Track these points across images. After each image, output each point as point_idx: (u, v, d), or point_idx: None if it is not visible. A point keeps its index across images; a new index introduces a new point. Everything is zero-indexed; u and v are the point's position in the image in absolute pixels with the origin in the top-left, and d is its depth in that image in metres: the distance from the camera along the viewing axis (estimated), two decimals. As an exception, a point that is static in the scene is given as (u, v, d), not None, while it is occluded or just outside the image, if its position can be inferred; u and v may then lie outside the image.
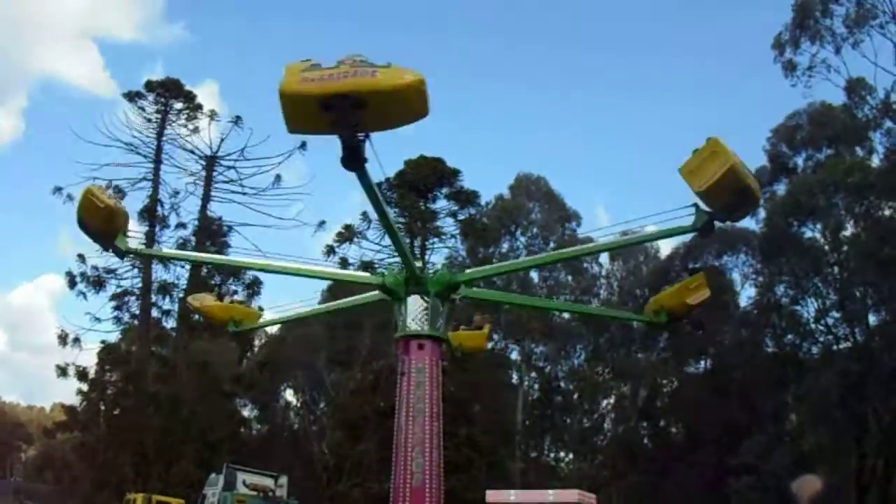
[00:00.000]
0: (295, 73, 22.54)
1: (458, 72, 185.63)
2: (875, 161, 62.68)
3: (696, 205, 29.02)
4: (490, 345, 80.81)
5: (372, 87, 22.35)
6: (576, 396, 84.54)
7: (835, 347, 64.11)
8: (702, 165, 26.38)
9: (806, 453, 60.85)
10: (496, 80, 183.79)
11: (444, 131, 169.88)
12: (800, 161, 67.06)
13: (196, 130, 71.23)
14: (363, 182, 27.05)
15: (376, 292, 38.53)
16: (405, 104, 23.36)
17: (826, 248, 64.51)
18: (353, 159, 26.15)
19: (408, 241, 69.60)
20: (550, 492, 33.51)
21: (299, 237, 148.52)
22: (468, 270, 40.12)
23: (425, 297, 35.12)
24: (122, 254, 34.69)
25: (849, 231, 64.41)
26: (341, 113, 22.45)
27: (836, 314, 65.02)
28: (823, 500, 3.84)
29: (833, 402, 56.31)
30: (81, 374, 67.22)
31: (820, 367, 59.45)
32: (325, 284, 67.36)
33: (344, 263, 68.76)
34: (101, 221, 30.34)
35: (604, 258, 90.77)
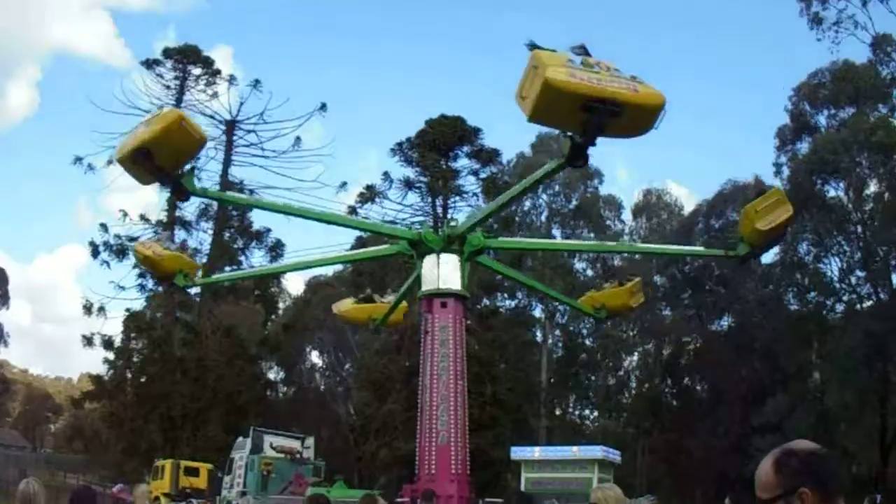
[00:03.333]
0: (559, 63, 24.13)
1: (477, 31, 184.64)
2: (898, 119, 62.38)
3: (741, 238, 33.59)
4: (513, 303, 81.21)
5: (635, 100, 24.56)
6: (599, 354, 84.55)
7: (858, 306, 64.04)
8: (769, 208, 31.57)
9: (829, 412, 60.85)
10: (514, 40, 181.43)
11: (464, 90, 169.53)
12: (822, 119, 66.90)
13: (215, 95, 71.21)
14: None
15: (386, 245, 39.07)
16: (645, 121, 25.75)
17: (849, 206, 64.34)
18: (580, 160, 27.64)
19: (429, 200, 69.79)
20: (575, 448, 33.74)
21: (321, 199, 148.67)
22: (500, 238, 40.65)
23: (441, 257, 35.42)
24: (187, 194, 34.87)
25: (872, 189, 64.33)
26: (597, 116, 24.34)
27: (859, 273, 64.95)
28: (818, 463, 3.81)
29: (857, 362, 56.27)
30: (107, 343, 67.41)
31: (844, 326, 59.41)
32: (347, 245, 67.68)
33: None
34: (180, 155, 30.87)
35: (626, 215, 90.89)
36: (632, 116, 25.10)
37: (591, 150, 26.74)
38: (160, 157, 29.02)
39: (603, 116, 24.30)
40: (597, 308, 40.97)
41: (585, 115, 24.28)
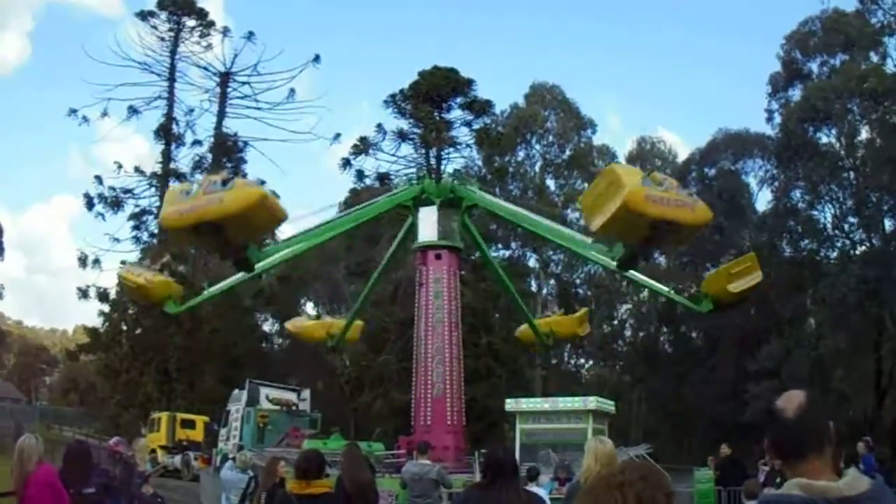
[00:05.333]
0: (635, 183, 23.47)
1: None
2: (889, 66, 62.32)
3: (705, 294, 31.12)
4: (507, 253, 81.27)
5: (693, 222, 24.29)
6: (593, 304, 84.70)
7: (852, 252, 64.12)
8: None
9: (824, 357, 61.06)
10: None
11: (458, 41, 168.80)
12: (814, 67, 66.80)
13: (209, 47, 71.30)
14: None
15: (384, 198, 39.36)
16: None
17: (841, 153, 64.32)
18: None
19: (423, 151, 69.81)
20: (569, 399, 33.81)
21: (314, 150, 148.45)
22: (477, 193, 40.53)
23: (431, 209, 35.57)
24: (250, 267, 35.32)
25: (863, 136, 64.28)
26: (660, 234, 24.35)
27: (852, 219, 64.95)
28: (810, 411, 3.90)
29: (851, 307, 56.47)
30: (102, 296, 67.55)
31: (837, 272, 59.49)
32: (341, 197, 67.79)
33: (360, 175, 69.16)
34: (252, 232, 30.40)
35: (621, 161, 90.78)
36: (685, 233, 25.32)
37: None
38: (231, 233, 26.47)
39: (665, 235, 24.26)
40: (546, 334, 42.35)
41: (650, 232, 24.12)
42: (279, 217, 27.87)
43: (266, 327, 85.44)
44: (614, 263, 28.82)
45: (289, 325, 45.31)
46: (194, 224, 24.54)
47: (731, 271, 30.15)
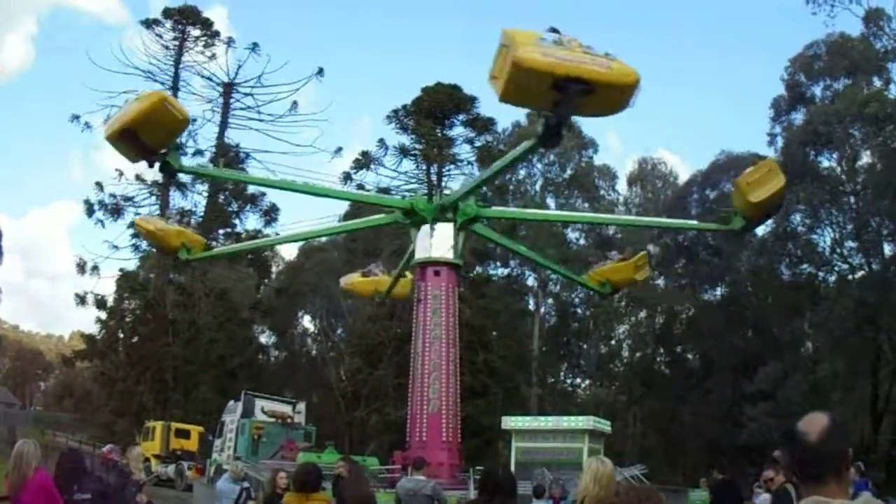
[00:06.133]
0: (530, 42, 23.56)
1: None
2: (892, 92, 62.33)
3: (735, 211, 35.06)
4: (506, 271, 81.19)
5: (608, 78, 23.99)
6: (591, 323, 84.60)
7: (850, 277, 64.15)
8: (760, 180, 32.05)
9: (821, 381, 61.05)
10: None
11: (462, 58, 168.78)
12: (817, 91, 66.83)
13: (213, 57, 71.33)
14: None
15: (383, 215, 39.33)
16: (620, 98, 25.23)
17: (842, 177, 64.36)
18: (554, 139, 27.50)
19: (424, 167, 69.78)
20: (565, 418, 33.80)
21: (316, 163, 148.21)
22: (494, 208, 40.79)
23: (435, 226, 35.54)
24: (173, 171, 35.01)
25: (864, 161, 64.34)
26: (569, 96, 23.73)
27: (851, 243, 64.98)
28: (832, 435, 3.99)
29: (848, 331, 56.49)
30: (100, 303, 67.48)
31: (835, 296, 59.54)
32: (341, 211, 67.76)
33: (361, 190, 69.03)
34: (164, 134, 30.80)
35: (621, 185, 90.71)
36: (605, 95, 24.50)
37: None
38: (145, 137, 30.14)
39: (575, 96, 23.59)
40: (601, 283, 41.67)
41: (557, 95, 23.65)
42: (181, 118, 31.03)
43: (263, 339, 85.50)
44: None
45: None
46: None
47: (748, 180, 33.07)
